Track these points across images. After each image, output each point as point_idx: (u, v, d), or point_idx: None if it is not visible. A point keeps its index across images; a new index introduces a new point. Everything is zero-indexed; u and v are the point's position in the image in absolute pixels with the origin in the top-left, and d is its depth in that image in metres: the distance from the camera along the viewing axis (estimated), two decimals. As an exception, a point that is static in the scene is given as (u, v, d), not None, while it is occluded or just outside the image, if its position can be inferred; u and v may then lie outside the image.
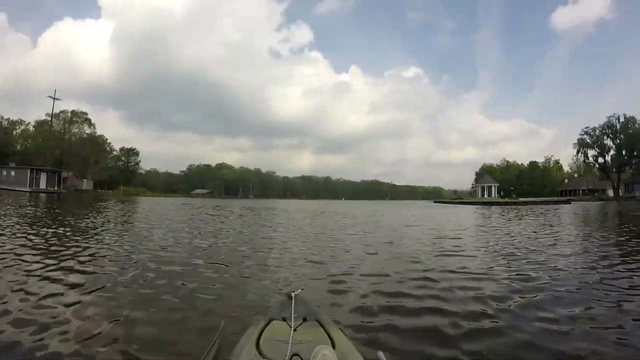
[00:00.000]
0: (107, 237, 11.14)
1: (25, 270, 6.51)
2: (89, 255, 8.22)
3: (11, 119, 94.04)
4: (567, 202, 64.13)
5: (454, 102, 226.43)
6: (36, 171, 61.55)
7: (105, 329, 4.06)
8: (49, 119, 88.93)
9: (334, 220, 22.58)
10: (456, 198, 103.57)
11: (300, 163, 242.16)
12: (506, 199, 73.33)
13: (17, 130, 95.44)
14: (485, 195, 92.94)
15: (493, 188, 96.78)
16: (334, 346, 2.47)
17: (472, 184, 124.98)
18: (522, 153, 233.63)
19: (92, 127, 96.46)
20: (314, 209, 41.11)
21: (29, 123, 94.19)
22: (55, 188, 63.59)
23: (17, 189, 54.13)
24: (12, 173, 61.07)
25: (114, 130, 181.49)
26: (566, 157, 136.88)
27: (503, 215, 29.71)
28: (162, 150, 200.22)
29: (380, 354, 2.62)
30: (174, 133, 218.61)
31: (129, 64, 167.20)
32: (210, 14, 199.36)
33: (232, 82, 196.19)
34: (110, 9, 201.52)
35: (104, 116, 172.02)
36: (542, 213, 32.10)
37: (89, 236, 11.28)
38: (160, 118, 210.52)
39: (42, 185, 61.23)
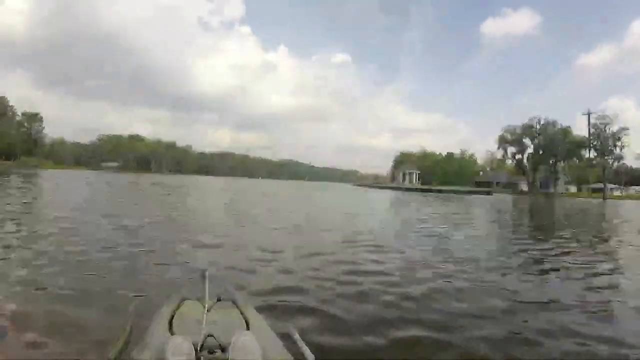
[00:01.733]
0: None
1: None
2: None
3: None
4: (488, 193, 67.16)
5: (376, 91, 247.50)
6: None
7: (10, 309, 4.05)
8: None
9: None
10: (376, 183, 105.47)
11: (219, 139, 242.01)
12: (428, 187, 77.22)
13: None
14: (407, 182, 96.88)
15: (414, 175, 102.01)
16: (248, 326, 2.49)
17: (389, 170, 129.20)
18: (436, 145, 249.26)
19: None
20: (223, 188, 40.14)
21: None
22: None
23: None
24: None
25: (20, 91, 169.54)
26: (479, 152, 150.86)
27: (444, 206, 29.49)
28: (72, 118, 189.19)
29: (290, 327, 2.77)
30: (87, 100, 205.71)
31: (46, 16, 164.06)
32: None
33: (155, 48, 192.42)
34: None
35: (10, 76, 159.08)
36: (477, 205, 33.54)
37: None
38: (73, 81, 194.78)
39: None
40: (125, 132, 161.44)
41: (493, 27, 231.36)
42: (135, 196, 23.69)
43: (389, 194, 47.98)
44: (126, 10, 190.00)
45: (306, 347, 2.30)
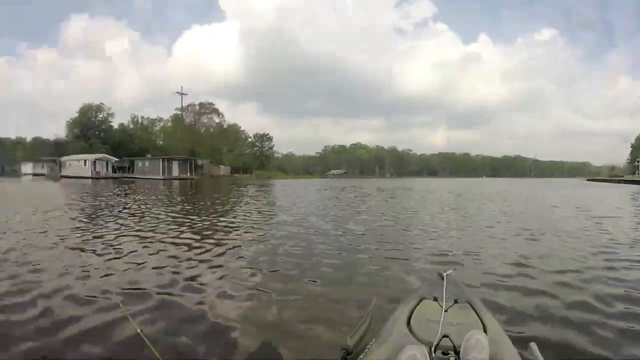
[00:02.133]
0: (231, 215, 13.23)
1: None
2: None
3: (150, 117, 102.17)
4: None
5: (595, 65, 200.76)
6: (168, 160, 64.25)
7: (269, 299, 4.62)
8: (179, 112, 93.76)
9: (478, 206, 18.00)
10: (614, 176, 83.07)
11: (437, 140, 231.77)
12: None
13: (157, 127, 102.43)
14: None
15: None
16: (485, 330, 2.34)
17: (627, 159, 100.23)
18: None
19: (220, 116, 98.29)
20: (453, 189, 36.37)
21: (168, 120, 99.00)
22: (188, 175, 65.65)
23: (151, 177, 59.46)
24: (147, 163, 65.47)
25: (251, 120, 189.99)
26: None
27: None
28: (296, 135, 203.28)
29: (533, 345, 2.45)
30: (306, 118, 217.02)
31: (257, 58, 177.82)
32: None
33: (358, 63, 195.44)
34: (233, 11, 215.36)
35: (240, 109, 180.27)
36: None
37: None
38: (293, 105, 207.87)
39: (175, 172, 63.86)
40: (348, 142, 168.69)
41: None
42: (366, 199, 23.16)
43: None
44: (326, 36, 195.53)
45: None
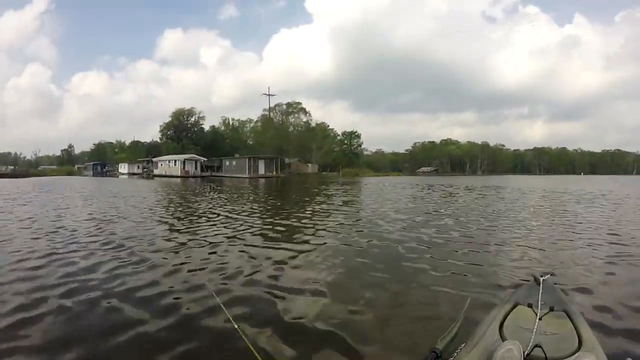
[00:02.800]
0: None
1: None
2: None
3: (240, 119, 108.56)
4: None
5: None
6: (254, 159, 64.93)
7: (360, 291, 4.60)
8: (267, 113, 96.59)
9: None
10: None
11: (533, 134, 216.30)
12: None
13: (247, 127, 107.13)
14: None
15: None
16: (581, 344, 2.27)
17: None
18: None
19: (307, 115, 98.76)
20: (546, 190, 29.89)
21: (257, 120, 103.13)
22: (274, 173, 66.55)
23: (238, 175, 60.47)
24: (234, 162, 66.53)
25: (342, 117, 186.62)
26: None
27: None
28: (388, 132, 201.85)
29: (628, 355, 2.51)
30: (398, 114, 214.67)
31: (347, 57, 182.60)
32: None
33: (448, 55, 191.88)
34: (320, 11, 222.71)
35: (332, 107, 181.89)
36: None
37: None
38: (383, 102, 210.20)
39: (261, 171, 64.54)
40: (438, 138, 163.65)
41: None
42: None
43: None
44: (414, 29, 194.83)
45: None
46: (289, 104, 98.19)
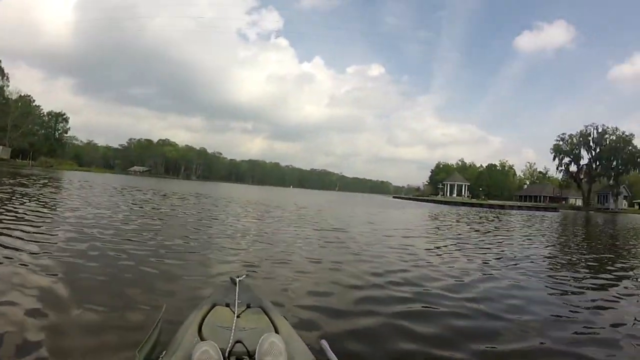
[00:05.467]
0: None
1: None
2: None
3: None
4: (555, 209, 60.54)
5: (409, 104, 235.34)
6: None
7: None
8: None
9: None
10: (419, 195, 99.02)
11: (251, 148, 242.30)
12: (482, 201, 68.50)
13: None
14: (455, 194, 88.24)
15: (463, 187, 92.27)
16: (277, 332, 2.39)
17: (424, 182, 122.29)
18: (469, 157, 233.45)
19: (4, 79, 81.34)
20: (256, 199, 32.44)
21: None
22: None
23: None
24: None
25: (64, 98, 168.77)
26: (516, 164, 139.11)
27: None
28: (112, 124, 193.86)
29: (324, 342, 2.63)
30: (126, 106, 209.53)
31: (93, 30, 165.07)
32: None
33: (194, 58, 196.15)
34: None
35: (55, 83, 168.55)
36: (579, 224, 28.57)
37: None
38: (114, 90, 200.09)
39: None
40: (158, 138, 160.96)
41: (527, 39, 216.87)
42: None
43: (460, 210, 39.68)
44: (168, 24, 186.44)
45: (333, 355, 2.41)
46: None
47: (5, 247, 6.36)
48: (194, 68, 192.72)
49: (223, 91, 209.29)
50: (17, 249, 6.29)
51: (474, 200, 70.34)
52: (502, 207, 56.08)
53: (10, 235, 7.30)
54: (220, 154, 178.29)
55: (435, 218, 25.49)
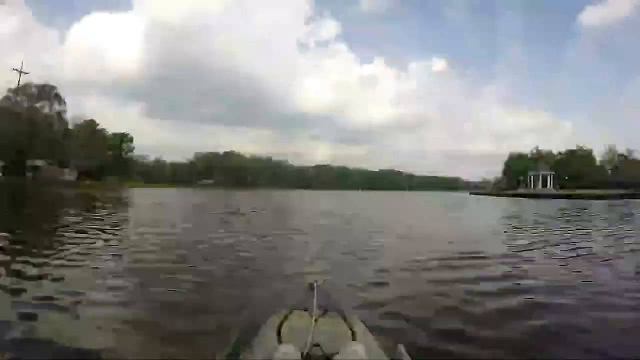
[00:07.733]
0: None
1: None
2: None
3: None
4: None
5: (476, 95, 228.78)
6: None
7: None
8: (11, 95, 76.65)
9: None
10: (505, 188, 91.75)
11: (319, 154, 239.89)
12: (571, 192, 59.04)
13: None
14: (540, 187, 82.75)
15: (549, 178, 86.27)
16: (354, 337, 2.41)
17: (496, 177, 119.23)
18: (542, 145, 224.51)
19: (62, 104, 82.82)
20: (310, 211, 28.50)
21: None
22: None
23: None
24: None
25: (135, 121, 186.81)
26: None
27: None
28: (184, 143, 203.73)
29: (401, 347, 2.65)
30: (199, 125, 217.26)
31: (158, 59, 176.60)
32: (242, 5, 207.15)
33: (256, 72, 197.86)
34: (142, 3, 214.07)
35: (123, 108, 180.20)
36: None
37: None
38: (183, 110, 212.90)
39: None
40: (222, 151, 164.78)
41: (591, 13, 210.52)
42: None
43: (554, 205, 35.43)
44: (231, 42, 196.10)
45: None
46: (42, 87, 79.56)
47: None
48: (258, 82, 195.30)
49: (287, 101, 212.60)
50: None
51: (563, 192, 62.09)
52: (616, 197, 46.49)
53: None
54: (287, 161, 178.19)
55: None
